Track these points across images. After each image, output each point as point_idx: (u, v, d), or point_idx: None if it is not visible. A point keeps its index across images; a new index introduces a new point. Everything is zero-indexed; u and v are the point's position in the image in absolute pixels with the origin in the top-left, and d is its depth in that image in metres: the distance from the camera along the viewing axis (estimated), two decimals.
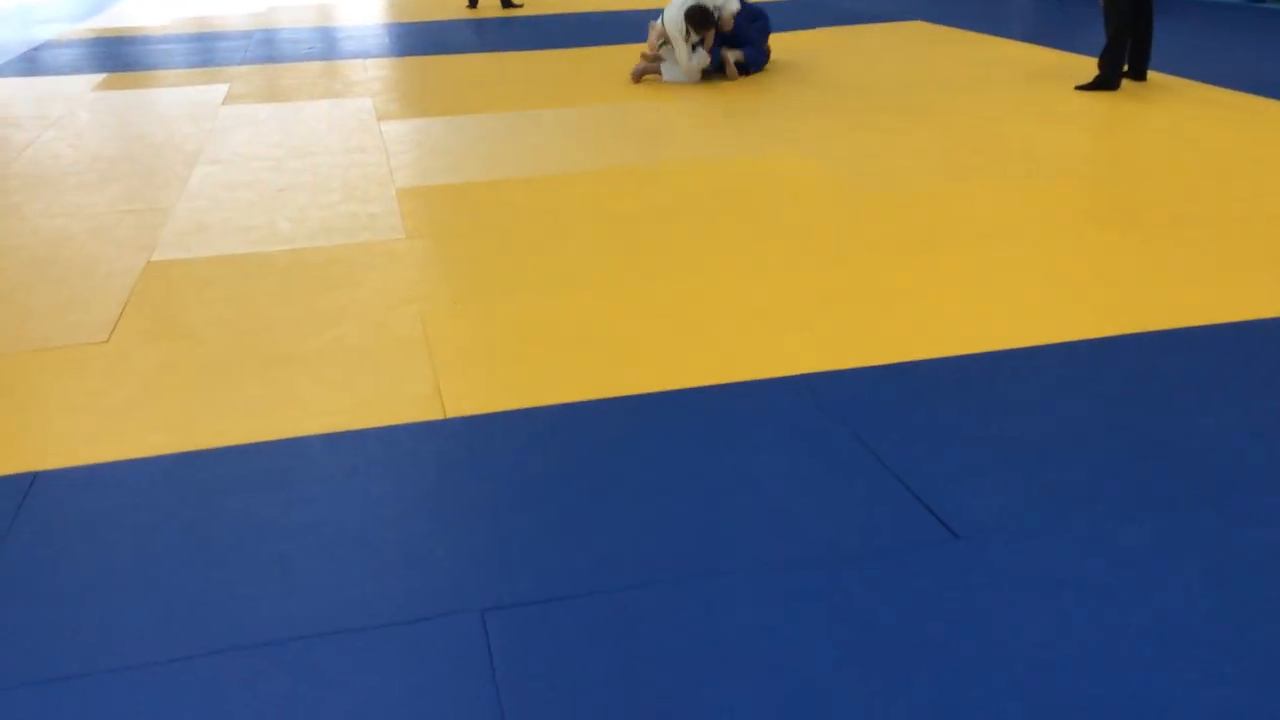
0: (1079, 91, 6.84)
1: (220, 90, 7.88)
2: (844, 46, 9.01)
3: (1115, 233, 4.33)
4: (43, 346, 3.59)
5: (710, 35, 7.54)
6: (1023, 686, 1.97)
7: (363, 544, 2.45)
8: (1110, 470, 2.66)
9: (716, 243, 4.36)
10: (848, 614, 2.17)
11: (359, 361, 3.39)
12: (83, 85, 8.25)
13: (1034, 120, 6.21)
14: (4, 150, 6.31)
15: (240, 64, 9.06)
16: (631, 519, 2.51)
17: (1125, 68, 6.90)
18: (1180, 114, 6.24)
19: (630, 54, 8.17)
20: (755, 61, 7.86)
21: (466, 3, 12.92)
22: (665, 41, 7.60)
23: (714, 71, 7.71)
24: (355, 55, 9.37)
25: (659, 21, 7.62)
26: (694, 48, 7.51)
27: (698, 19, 7.43)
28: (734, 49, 7.74)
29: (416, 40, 10.19)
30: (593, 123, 6.52)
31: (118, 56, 9.70)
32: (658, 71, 7.74)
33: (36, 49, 10.20)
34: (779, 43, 8.58)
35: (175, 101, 7.58)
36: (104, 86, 8.19)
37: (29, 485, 2.74)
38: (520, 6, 12.73)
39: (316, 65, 8.94)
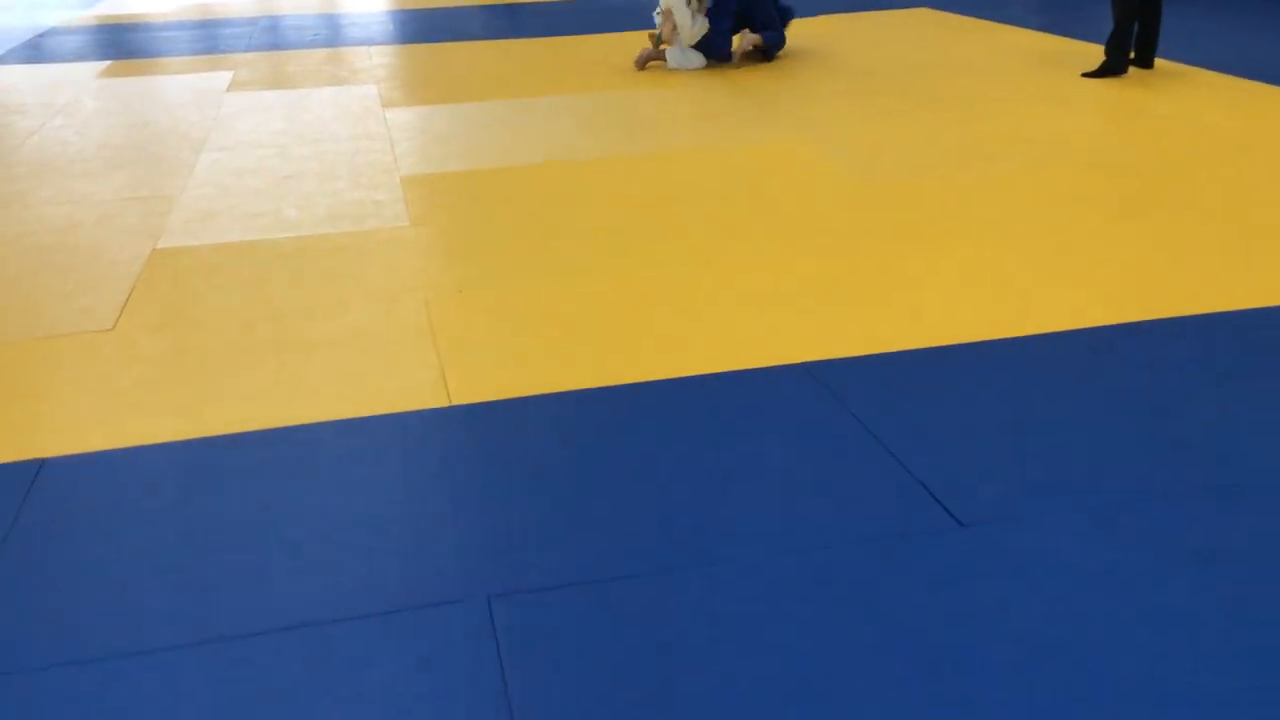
0: (1086, 79, 6.82)
1: (225, 77, 7.87)
2: (849, 33, 8.98)
3: (1123, 219, 4.32)
4: (49, 334, 3.59)
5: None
6: (1027, 673, 1.97)
7: (369, 530, 2.46)
8: (1117, 458, 2.66)
9: (722, 229, 4.35)
10: (853, 601, 2.18)
11: (365, 348, 3.39)
12: (88, 72, 8.25)
13: (1040, 106, 6.19)
14: (9, 137, 6.31)
15: (245, 51, 9.05)
16: (637, 506, 2.52)
17: (1131, 55, 6.86)
18: (1189, 101, 6.21)
19: (636, 41, 8.14)
20: (776, 44, 7.82)
21: None
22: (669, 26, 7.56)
23: (719, 60, 7.69)
24: (360, 42, 9.35)
25: (660, 3, 7.59)
26: (694, 16, 7.46)
27: None
28: (755, 33, 7.70)
29: (421, 27, 10.16)
30: (598, 110, 6.51)
31: (123, 43, 9.69)
32: (662, 58, 7.72)
33: (41, 36, 10.19)
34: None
35: (180, 88, 7.57)
36: (109, 73, 8.19)
37: (36, 472, 2.75)
38: None
39: (321, 52, 8.93)
